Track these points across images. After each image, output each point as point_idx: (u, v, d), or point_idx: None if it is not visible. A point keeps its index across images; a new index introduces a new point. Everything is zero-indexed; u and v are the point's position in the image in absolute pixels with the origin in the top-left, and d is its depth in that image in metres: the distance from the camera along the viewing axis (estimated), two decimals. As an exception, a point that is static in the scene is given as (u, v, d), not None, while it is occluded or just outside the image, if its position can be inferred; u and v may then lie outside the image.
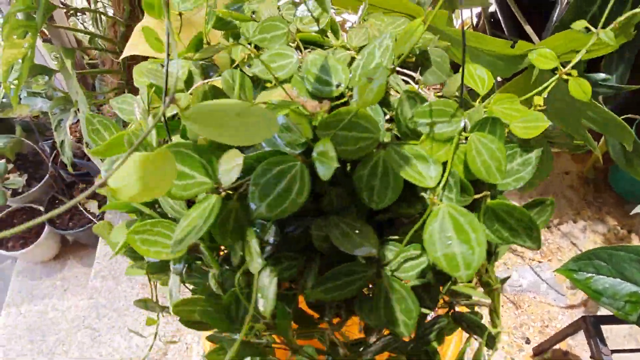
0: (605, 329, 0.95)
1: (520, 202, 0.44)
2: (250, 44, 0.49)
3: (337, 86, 0.43)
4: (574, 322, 0.95)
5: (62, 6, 1.17)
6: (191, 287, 0.48)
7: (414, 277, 0.40)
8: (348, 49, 0.50)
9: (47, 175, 1.43)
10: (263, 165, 0.35)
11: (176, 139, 0.43)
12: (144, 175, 0.22)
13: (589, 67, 0.96)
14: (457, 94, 0.51)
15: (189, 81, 0.48)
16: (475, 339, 0.47)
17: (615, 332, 1.15)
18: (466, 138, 0.41)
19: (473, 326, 0.47)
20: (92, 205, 1.42)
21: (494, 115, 0.42)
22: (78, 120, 1.36)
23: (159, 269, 0.49)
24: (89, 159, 1.27)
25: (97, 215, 1.41)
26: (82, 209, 1.42)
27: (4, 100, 1.40)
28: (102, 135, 0.47)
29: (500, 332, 0.48)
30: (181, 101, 0.46)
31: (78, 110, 0.94)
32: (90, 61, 1.42)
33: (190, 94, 0.46)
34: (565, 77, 0.52)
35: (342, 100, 0.42)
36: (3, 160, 1.25)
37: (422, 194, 0.41)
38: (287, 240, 0.40)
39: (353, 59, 0.48)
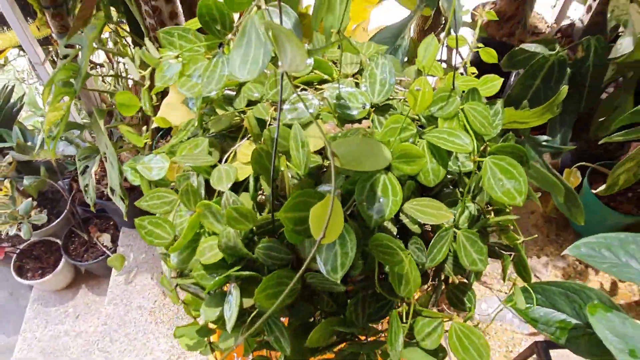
0: (560, 353, 1.09)
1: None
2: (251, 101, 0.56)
3: (364, 107, 0.53)
4: (528, 346, 1.10)
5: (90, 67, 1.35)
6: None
7: (468, 226, 0.53)
8: (346, 77, 0.58)
9: (65, 211, 1.58)
10: (358, 185, 0.45)
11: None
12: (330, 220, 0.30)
13: (536, 128, 1.14)
14: (414, 76, 0.66)
15: (210, 153, 0.56)
16: (507, 257, 0.62)
17: (574, 357, 1.29)
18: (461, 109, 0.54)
19: (501, 248, 0.63)
20: (106, 239, 1.57)
21: (473, 87, 0.55)
22: (99, 166, 1.52)
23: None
24: (108, 199, 1.42)
25: (110, 248, 1.55)
26: (96, 241, 1.56)
27: (29, 143, 1.57)
28: (157, 233, 0.53)
29: (522, 241, 0.61)
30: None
31: (105, 159, 1.11)
32: (106, 108, 1.59)
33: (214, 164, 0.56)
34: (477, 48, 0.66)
35: (371, 117, 0.53)
36: (29, 199, 1.41)
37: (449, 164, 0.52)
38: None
39: (356, 83, 0.57)
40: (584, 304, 0.81)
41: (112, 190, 1.12)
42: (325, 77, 0.59)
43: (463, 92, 0.57)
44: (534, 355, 1.11)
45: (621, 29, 1.09)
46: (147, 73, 0.63)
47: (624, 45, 0.98)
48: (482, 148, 0.53)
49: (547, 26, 1.26)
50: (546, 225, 1.56)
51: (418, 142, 0.51)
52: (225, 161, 0.54)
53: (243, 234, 0.48)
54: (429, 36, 0.60)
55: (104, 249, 1.54)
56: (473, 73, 0.64)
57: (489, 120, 0.54)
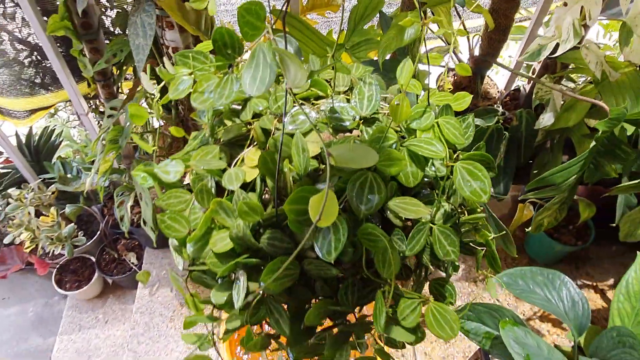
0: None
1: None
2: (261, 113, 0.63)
3: (354, 119, 0.60)
4: (474, 353, 1.37)
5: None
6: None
7: (443, 222, 0.62)
8: (338, 94, 0.66)
9: (99, 233, 1.87)
10: (349, 184, 0.53)
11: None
12: (325, 207, 0.37)
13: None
14: (396, 93, 0.70)
15: (221, 158, 0.63)
16: (479, 251, 0.70)
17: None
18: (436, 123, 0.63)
19: (475, 245, 0.71)
20: (132, 257, 1.86)
21: (446, 103, 0.65)
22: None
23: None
24: (137, 225, 1.71)
25: (135, 265, 1.84)
26: (124, 258, 1.85)
27: (69, 175, 1.86)
28: (174, 227, 0.60)
29: (492, 238, 0.68)
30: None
31: (141, 198, 1.39)
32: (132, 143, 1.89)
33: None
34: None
35: (360, 128, 0.62)
36: (72, 224, 1.70)
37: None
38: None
39: (347, 99, 0.65)
40: (501, 319, 1.09)
41: (145, 222, 1.41)
42: (321, 93, 0.67)
43: (438, 106, 0.67)
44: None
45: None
46: (159, 88, 0.68)
47: (545, 120, 1.27)
48: (455, 155, 0.61)
49: (498, 91, 1.55)
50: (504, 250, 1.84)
51: (400, 149, 0.59)
52: (234, 165, 0.61)
53: (251, 226, 0.55)
54: (404, 60, 0.66)
55: (131, 265, 1.83)
56: (449, 89, 0.75)
57: (460, 131, 0.62)
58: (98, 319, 1.91)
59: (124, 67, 1.37)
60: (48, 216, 1.70)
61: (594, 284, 1.77)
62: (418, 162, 0.59)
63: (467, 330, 1.12)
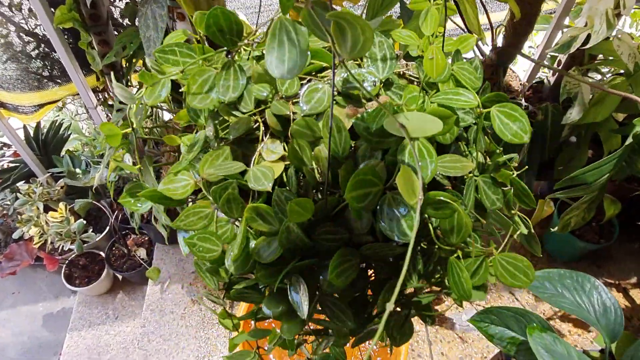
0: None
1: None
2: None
3: (374, 84, 0.55)
4: (495, 355, 1.33)
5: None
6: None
7: (480, 172, 0.60)
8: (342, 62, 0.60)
9: (108, 228, 1.84)
10: (398, 155, 0.48)
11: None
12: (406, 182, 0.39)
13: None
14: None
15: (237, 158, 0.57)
16: (508, 191, 0.65)
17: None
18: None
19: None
20: (142, 252, 1.83)
21: (456, 49, 0.62)
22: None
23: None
24: (148, 221, 1.68)
25: (145, 261, 1.81)
26: (134, 254, 1.82)
27: (77, 170, 1.82)
28: (206, 247, 0.55)
29: (515, 175, 0.62)
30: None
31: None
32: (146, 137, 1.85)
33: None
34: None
35: (382, 93, 0.56)
36: (81, 220, 1.67)
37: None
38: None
39: (358, 64, 0.59)
40: (528, 325, 1.04)
41: (156, 220, 1.37)
42: (324, 64, 0.60)
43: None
44: (500, 362, 1.34)
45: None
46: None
47: (573, 114, 1.21)
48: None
49: (520, 84, 1.49)
50: (523, 247, 1.79)
51: (429, 105, 0.55)
52: (253, 164, 0.56)
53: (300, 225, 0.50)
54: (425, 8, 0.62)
55: (141, 261, 1.80)
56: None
57: (475, 75, 0.59)
58: (108, 315, 1.88)
59: (134, 60, 1.32)
60: (57, 211, 1.67)
61: (616, 282, 1.72)
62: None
63: (491, 335, 1.07)
